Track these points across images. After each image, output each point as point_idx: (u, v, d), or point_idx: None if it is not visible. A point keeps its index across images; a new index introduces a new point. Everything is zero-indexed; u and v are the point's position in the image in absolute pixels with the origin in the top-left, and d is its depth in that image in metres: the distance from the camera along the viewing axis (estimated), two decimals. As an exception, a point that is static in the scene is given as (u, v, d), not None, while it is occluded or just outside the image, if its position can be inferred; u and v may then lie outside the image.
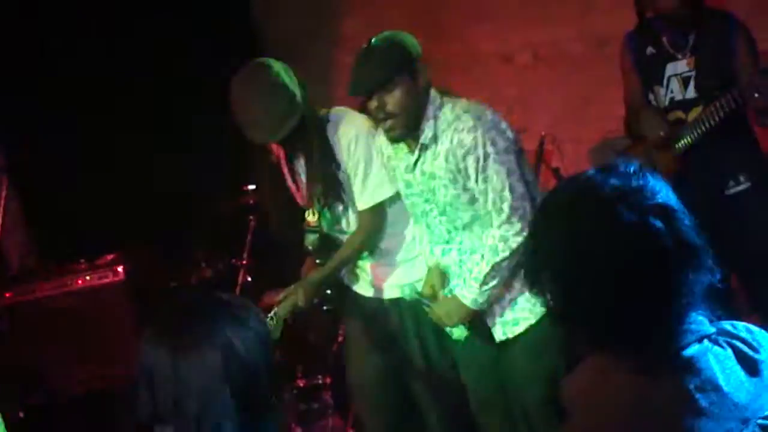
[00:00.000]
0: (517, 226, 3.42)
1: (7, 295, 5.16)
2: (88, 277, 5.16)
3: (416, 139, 3.51)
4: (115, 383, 4.97)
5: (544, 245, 1.74)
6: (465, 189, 3.47)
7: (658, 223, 1.65)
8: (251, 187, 4.76)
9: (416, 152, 3.53)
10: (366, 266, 4.01)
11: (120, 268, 5.13)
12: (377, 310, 4.03)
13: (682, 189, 3.92)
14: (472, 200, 3.48)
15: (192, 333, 2.00)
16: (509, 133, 3.45)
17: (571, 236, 1.70)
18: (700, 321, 1.71)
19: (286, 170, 3.98)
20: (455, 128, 3.44)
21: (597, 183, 1.71)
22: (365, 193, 3.83)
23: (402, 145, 3.59)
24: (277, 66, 3.74)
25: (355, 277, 4.07)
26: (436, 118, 3.48)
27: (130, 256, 5.21)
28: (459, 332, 3.70)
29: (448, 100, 3.53)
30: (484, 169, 3.40)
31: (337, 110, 3.89)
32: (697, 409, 1.64)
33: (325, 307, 4.92)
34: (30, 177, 5.46)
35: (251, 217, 4.60)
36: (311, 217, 4.01)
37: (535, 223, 1.82)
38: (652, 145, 4.13)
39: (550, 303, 1.71)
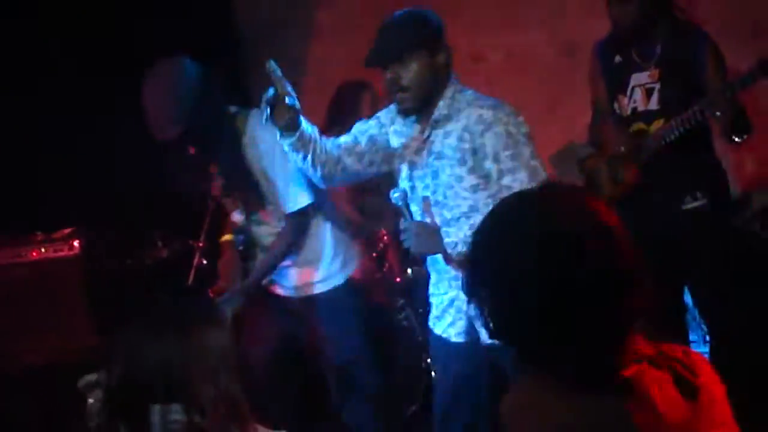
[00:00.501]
0: None
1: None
2: (43, 249, 5.10)
3: (428, 115, 3.41)
4: (65, 357, 4.93)
5: (481, 259, 1.75)
6: (472, 171, 3.33)
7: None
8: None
9: (427, 129, 3.41)
10: (287, 268, 3.99)
11: (76, 243, 5.07)
12: (296, 308, 4.03)
13: (642, 202, 3.98)
14: (475, 188, 3.34)
15: (200, 316, 2.12)
16: (525, 127, 3.35)
17: (502, 253, 1.71)
18: (640, 342, 1.73)
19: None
20: (476, 105, 3.34)
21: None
22: (289, 198, 3.80)
23: (414, 124, 3.48)
24: (181, 66, 3.71)
25: (275, 278, 4.04)
26: (454, 98, 3.38)
27: (87, 231, 5.17)
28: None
29: (470, 87, 3.45)
30: (508, 147, 3.28)
31: (255, 112, 3.74)
32: (634, 431, 1.66)
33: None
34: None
35: (210, 200, 4.57)
36: (238, 217, 4.01)
37: (474, 237, 1.81)
38: (613, 157, 4.15)
39: (487, 319, 1.72)
